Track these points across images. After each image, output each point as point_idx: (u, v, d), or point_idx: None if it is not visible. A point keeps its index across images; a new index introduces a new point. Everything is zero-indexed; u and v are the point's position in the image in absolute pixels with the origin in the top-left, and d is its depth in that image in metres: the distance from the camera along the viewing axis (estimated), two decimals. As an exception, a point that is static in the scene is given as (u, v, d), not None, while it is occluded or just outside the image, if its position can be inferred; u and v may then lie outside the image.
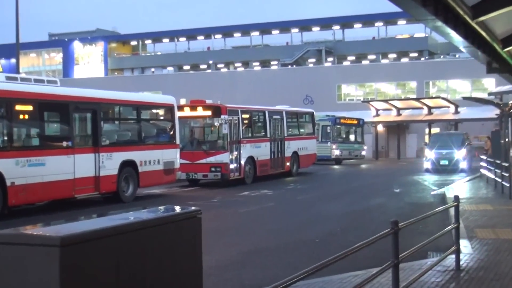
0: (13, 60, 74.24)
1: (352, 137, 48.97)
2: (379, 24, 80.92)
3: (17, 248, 4.23)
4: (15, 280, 4.23)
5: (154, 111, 25.48)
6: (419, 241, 9.47)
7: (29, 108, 18.44)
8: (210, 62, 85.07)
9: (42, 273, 4.16)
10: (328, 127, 45.96)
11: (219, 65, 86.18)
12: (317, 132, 44.12)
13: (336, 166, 41.99)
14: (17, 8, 34.51)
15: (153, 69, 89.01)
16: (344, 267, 9.50)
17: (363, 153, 49.28)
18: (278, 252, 12.16)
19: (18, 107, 18.05)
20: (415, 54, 78.47)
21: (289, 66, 76.88)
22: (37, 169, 17.86)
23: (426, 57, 74.55)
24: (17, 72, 37.84)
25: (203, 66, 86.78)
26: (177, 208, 5.88)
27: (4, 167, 16.98)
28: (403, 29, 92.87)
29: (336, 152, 45.78)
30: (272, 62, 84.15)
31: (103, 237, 4.50)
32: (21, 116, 18.43)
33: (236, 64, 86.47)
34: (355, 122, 48.98)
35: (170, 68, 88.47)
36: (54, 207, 19.55)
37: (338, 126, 47.09)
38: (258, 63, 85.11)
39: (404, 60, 77.31)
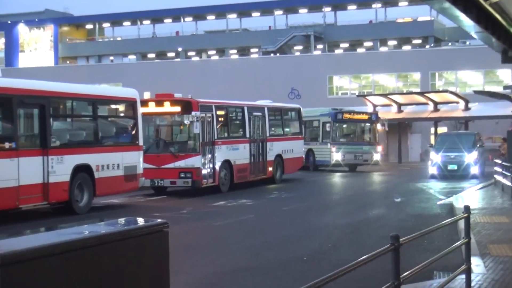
0: None
1: (361, 137, 45.25)
2: (377, 5, 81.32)
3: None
4: None
5: (113, 106, 25.38)
6: (423, 259, 9.49)
7: (-35, 102, 18.30)
8: (179, 49, 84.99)
9: (-21, 298, 4.12)
10: (327, 124, 43.30)
11: (189, 53, 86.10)
12: (318, 130, 44.02)
13: (337, 174, 41.60)
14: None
15: (112, 57, 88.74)
16: (336, 289, 9.51)
17: (376, 157, 44.18)
18: (259, 273, 12.15)
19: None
20: (419, 41, 78.91)
21: (272, 55, 77.01)
22: (-26, 175, 17.72)
23: (432, 45, 74.99)
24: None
25: (170, 54, 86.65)
26: (140, 221, 5.86)
27: None
28: (405, 12, 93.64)
29: (337, 156, 42.67)
30: (252, 50, 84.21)
31: (51, 255, 4.46)
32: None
33: (210, 52, 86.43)
34: (365, 117, 45.19)
35: (132, 56, 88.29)
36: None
37: (340, 123, 44.03)
38: (235, 51, 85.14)
39: (406, 47, 77.72)
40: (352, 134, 45.55)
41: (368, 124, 45.35)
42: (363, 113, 45.94)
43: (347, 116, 44.12)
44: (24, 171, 19.13)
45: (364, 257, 6.43)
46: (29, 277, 4.28)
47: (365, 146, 44.27)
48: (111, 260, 4.95)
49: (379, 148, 45.31)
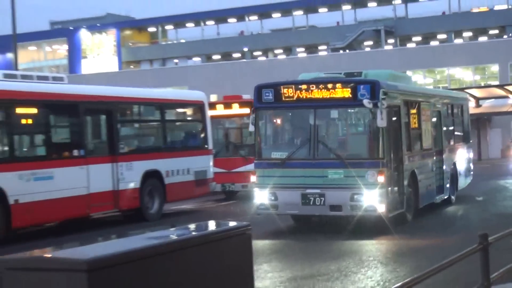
0: (10, 55, 75.36)
1: (328, 145, 17.62)
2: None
3: (39, 274, 4.31)
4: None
5: (181, 110, 25.63)
6: (511, 259, 9.38)
7: (32, 110, 18.71)
8: (245, 49, 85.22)
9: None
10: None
11: (255, 53, 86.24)
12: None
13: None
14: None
15: (176, 60, 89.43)
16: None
17: (371, 198, 16.36)
18: (338, 277, 12.10)
19: (19, 110, 18.33)
20: (496, 31, 77.61)
21: (341, 51, 76.64)
22: (44, 184, 18.08)
23: (510, 34, 73.72)
24: (15, 68, 38.40)
25: (236, 55, 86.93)
26: (222, 224, 5.92)
27: (5, 182, 17.20)
28: (479, 1, 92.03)
29: (261, 196, 17.53)
30: (320, 47, 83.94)
31: (136, 260, 4.56)
32: (24, 121, 18.71)
33: (276, 51, 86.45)
34: (344, 93, 17.07)
35: (197, 58, 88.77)
36: (64, 228, 19.75)
37: (271, 110, 19.48)
38: (303, 49, 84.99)
39: (482, 39, 76.53)
40: (306, 138, 17.76)
41: (350, 110, 18.44)
42: (338, 82, 17.44)
43: (288, 92, 18.35)
44: (93, 178, 19.45)
45: (448, 259, 6.40)
46: (115, 282, 4.39)
47: (334, 170, 17.16)
48: (193, 265, 5.02)
49: (381, 178, 16.53)
